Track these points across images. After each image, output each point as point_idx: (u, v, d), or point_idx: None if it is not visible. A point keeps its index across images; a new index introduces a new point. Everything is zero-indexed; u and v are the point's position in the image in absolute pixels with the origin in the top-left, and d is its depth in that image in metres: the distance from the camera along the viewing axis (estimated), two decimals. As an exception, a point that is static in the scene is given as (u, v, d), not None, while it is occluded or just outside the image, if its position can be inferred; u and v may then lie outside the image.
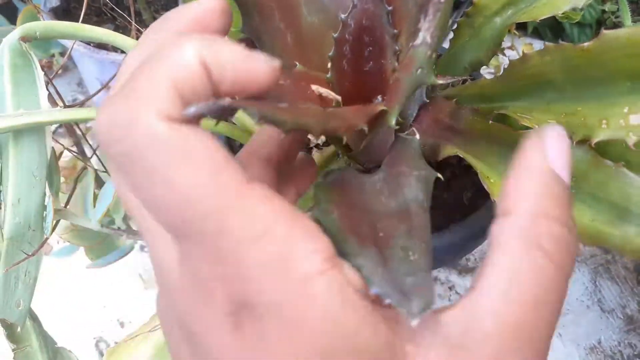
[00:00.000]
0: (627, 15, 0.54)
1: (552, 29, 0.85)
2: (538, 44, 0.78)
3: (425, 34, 0.23)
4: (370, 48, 0.26)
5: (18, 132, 0.32)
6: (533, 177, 0.17)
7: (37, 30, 0.31)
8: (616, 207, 0.29)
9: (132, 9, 0.47)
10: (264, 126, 0.23)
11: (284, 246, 0.14)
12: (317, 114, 0.20)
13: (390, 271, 0.16)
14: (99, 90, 0.42)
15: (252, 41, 0.27)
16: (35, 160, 0.33)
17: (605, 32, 0.26)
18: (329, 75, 0.27)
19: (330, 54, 0.26)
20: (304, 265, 0.14)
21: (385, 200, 0.22)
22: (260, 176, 0.21)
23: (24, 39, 0.32)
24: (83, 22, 0.44)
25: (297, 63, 0.27)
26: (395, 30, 0.26)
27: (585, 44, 0.27)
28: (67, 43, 0.52)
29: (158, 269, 0.17)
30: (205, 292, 0.14)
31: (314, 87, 0.26)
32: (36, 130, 0.32)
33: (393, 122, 0.24)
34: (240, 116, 0.38)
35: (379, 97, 0.27)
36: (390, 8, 0.25)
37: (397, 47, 0.26)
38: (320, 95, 0.27)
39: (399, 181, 0.23)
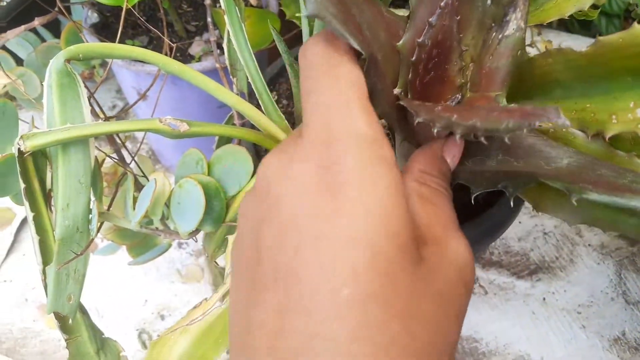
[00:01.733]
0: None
1: (580, 20, 0.84)
2: (562, 38, 0.78)
3: (518, 22, 0.28)
4: (436, 59, 0.29)
5: (66, 145, 0.35)
6: (431, 155, 0.27)
7: (80, 53, 0.35)
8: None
9: (164, 22, 0.50)
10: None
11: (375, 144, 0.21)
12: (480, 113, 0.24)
13: None
14: (137, 101, 0.45)
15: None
16: (81, 168, 0.36)
17: (600, 38, 0.27)
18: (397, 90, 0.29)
19: (410, 77, 0.29)
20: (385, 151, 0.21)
21: None
22: None
23: (69, 60, 0.35)
24: (121, 35, 0.48)
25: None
26: (461, 35, 0.29)
27: (583, 49, 0.28)
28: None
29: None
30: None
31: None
32: (81, 142, 0.36)
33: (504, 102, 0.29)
34: (265, 123, 0.40)
35: (457, 96, 0.30)
36: (458, 18, 0.28)
37: (463, 48, 0.30)
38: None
39: None
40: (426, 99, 0.30)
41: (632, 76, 0.27)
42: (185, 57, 0.57)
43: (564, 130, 0.33)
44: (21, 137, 0.34)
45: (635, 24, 0.25)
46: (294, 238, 0.19)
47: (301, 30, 0.41)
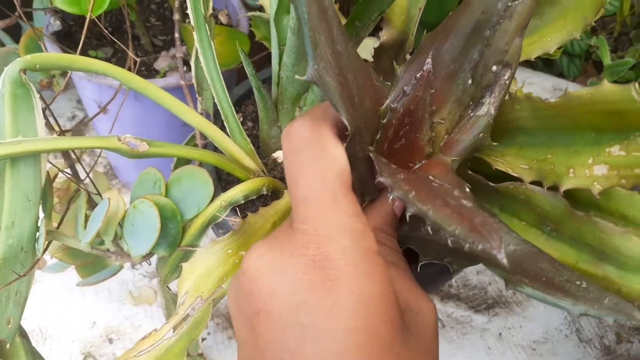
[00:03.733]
0: (606, 54, 0.56)
1: (543, 59, 0.87)
2: (526, 75, 0.80)
3: (490, 107, 0.29)
4: (408, 127, 0.30)
5: (15, 159, 0.33)
6: (384, 211, 0.29)
7: (37, 63, 0.33)
8: (594, 249, 0.31)
9: (129, 35, 0.49)
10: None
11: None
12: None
13: None
14: (96, 115, 0.44)
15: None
16: (30, 185, 0.34)
17: (569, 91, 0.27)
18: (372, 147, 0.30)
19: (377, 137, 0.30)
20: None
21: None
22: None
23: (24, 70, 0.33)
24: (83, 45, 0.46)
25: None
26: (433, 107, 0.30)
27: (552, 100, 0.29)
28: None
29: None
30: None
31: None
32: (32, 156, 0.34)
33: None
34: (229, 147, 0.39)
35: (423, 161, 0.31)
36: (432, 91, 0.30)
37: (434, 121, 0.31)
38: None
39: None
40: (394, 162, 0.30)
41: (596, 132, 0.28)
42: (150, 71, 0.55)
43: (523, 187, 0.33)
44: (-35, 147, 0.32)
45: (606, 81, 0.25)
46: (294, 333, 0.21)
47: (270, 52, 0.40)
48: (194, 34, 0.41)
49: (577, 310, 0.24)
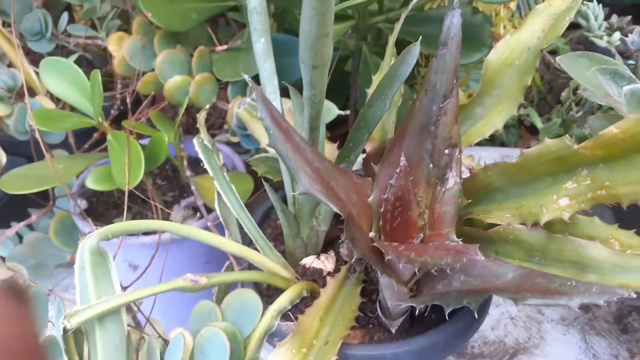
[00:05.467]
0: (536, 119, 0.68)
1: (483, 135, 1.00)
2: (474, 151, 0.92)
3: (455, 179, 0.38)
4: (400, 208, 0.39)
5: (102, 317, 0.39)
6: None
7: (109, 233, 0.40)
8: (575, 264, 0.39)
9: (152, 198, 0.57)
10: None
11: None
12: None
13: None
14: (143, 272, 0.50)
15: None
16: (117, 337, 0.40)
17: (524, 151, 0.37)
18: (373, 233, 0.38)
19: (380, 223, 0.39)
20: None
21: None
22: None
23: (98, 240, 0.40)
24: (105, 216, 0.54)
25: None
26: (415, 190, 0.39)
27: (514, 160, 0.38)
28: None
29: None
30: None
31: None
32: (115, 312, 0.40)
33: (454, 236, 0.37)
34: (268, 264, 0.46)
35: (420, 235, 0.39)
36: (412, 178, 0.39)
37: (418, 200, 0.39)
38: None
39: None
40: (396, 239, 0.40)
41: (552, 176, 0.37)
42: (167, 224, 0.63)
43: (510, 227, 0.42)
44: (65, 316, 0.38)
45: (546, 138, 0.35)
46: None
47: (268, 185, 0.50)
48: (215, 182, 0.50)
49: (574, 303, 0.31)
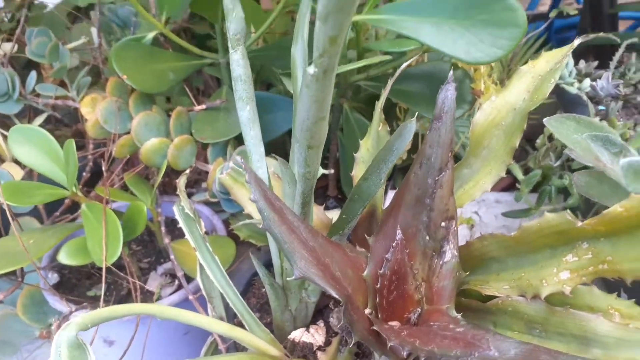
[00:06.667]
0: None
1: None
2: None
3: (452, 252, 0.37)
4: (396, 282, 0.37)
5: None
6: None
7: (88, 322, 0.37)
8: (578, 338, 0.38)
9: (127, 268, 0.54)
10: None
11: None
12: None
13: None
14: (125, 351, 0.47)
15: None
16: None
17: (523, 225, 0.36)
18: (369, 310, 0.36)
19: (377, 300, 0.37)
20: None
21: None
22: None
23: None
24: (78, 287, 0.50)
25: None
26: (412, 262, 0.38)
27: (512, 233, 0.37)
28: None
29: None
30: None
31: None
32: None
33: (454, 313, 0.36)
34: (257, 343, 0.44)
35: (418, 309, 0.37)
36: (407, 251, 0.37)
37: (415, 272, 0.38)
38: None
39: None
40: (392, 313, 0.38)
41: (551, 249, 0.36)
42: (144, 293, 0.59)
43: (509, 299, 0.41)
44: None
45: (547, 213, 0.34)
46: None
47: (254, 249, 0.47)
48: (197, 253, 0.47)
49: None
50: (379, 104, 0.46)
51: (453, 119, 0.36)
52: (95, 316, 0.38)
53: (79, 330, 0.37)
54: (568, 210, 0.34)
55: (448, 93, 0.35)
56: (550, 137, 0.81)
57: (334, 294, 0.33)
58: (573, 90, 0.76)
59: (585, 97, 0.75)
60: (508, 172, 0.48)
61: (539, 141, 0.83)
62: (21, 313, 0.56)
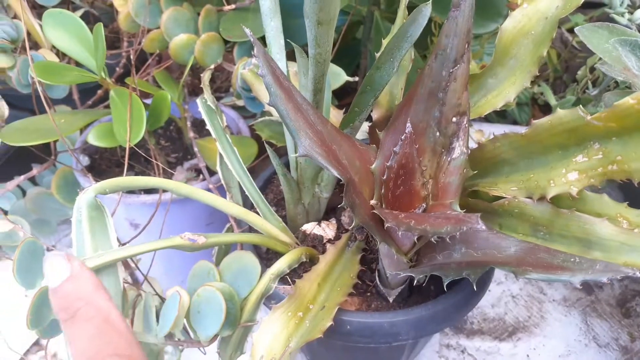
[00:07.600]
0: (550, 96, 0.66)
1: (496, 111, 0.98)
2: (483, 126, 0.90)
3: (461, 148, 0.37)
4: (403, 177, 0.38)
5: (98, 271, 0.39)
6: None
7: (106, 188, 0.40)
8: (581, 240, 0.38)
9: (153, 156, 0.56)
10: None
11: None
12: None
13: None
14: (142, 230, 0.50)
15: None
16: (112, 291, 0.39)
17: (534, 122, 0.36)
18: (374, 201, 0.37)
19: (382, 191, 0.38)
20: None
21: None
22: None
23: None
24: (107, 173, 0.53)
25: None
26: (420, 158, 0.38)
27: (523, 130, 0.37)
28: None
29: None
30: None
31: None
32: (111, 266, 0.39)
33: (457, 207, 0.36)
34: (268, 227, 0.46)
35: (423, 205, 0.38)
36: (417, 146, 0.37)
37: (423, 169, 0.38)
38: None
39: None
40: (398, 208, 0.39)
41: (562, 149, 0.36)
42: (169, 185, 0.62)
43: (516, 200, 0.41)
44: (60, 268, 0.37)
45: (558, 109, 0.33)
46: None
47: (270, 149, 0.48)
48: (217, 144, 0.49)
49: (576, 279, 0.29)
50: (403, 1, 0.45)
51: (472, 8, 0.35)
52: (113, 183, 0.40)
53: (97, 192, 0.39)
54: (580, 106, 0.33)
55: (469, -21, 0.34)
56: (592, 69, 0.77)
57: (336, 173, 0.33)
58: (623, 20, 0.72)
59: (635, 29, 0.71)
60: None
61: (580, 72, 0.80)
62: (55, 192, 0.59)
